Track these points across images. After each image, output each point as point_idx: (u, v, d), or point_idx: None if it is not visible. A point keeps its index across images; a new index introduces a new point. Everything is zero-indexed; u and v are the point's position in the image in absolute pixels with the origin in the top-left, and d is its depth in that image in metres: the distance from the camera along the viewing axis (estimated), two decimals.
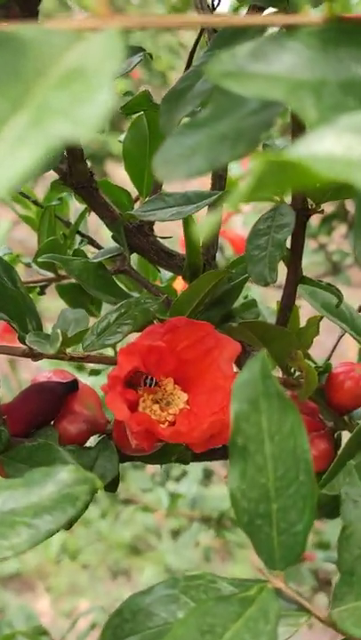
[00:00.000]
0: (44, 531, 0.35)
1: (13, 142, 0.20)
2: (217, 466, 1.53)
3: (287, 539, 0.36)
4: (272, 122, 0.35)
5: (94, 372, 0.95)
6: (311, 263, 1.68)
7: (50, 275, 0.74)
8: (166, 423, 0.52)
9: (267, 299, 0.78)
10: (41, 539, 0.35)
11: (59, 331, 0.51)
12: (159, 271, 0.68)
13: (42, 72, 0.23)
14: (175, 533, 2.33)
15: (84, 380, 0.64)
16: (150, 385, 0.53)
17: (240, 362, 0.59)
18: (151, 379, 0.53)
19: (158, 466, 1.62)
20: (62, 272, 0.74)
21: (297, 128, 0.46)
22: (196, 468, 1.32)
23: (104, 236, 0.84)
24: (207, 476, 1.44)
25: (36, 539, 0.35)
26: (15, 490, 0.36)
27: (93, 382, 1.02)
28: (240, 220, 1.75)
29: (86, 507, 0.37)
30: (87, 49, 0.24)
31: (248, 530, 0.36)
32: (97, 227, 0.96)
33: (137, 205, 0.68)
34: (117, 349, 0.55)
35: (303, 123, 0.45)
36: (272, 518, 0.36)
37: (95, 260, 0.60)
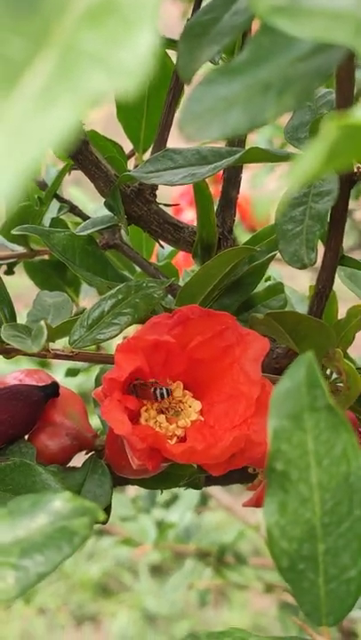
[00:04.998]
0: (33, 574, 0.35)
1: (41, 96, 0.20)
2: (215, 488, 1.53)
3: (337, 587, 0.36)
4: (329, 70, 0.35)
5: (71, 373, 0.95)
6: None
7: (20, 249, 0.73)
8: (175, 438, 0.52)
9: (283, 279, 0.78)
10: (30, 584, 0.35)
11: (43, 323, 0.50)
12: (162, 247, 0.67)
13: (64, 3, 0.23)
14: (155, 569, 2.33)
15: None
16: (160, 396, 0.52)
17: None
18: (161, 388, 0.52)
19: (139, 488, 1.61)
20: (36, 246, 0.73)
21: (344, 82, 0.46)
22: (189, 491, 1.32)
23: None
24: (203, 500, 1.44)
25: (25, 584, 0.35)
26: None
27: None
28: (246, 180, 1.74)
29: (83, 544, 0.37)
30: None
31: (288, 576, 0.37)
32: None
33: (130, 164, 0.67)
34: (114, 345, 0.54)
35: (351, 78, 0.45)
36: (319, 562, 0.36)
37: (84, 233, 0.59)
